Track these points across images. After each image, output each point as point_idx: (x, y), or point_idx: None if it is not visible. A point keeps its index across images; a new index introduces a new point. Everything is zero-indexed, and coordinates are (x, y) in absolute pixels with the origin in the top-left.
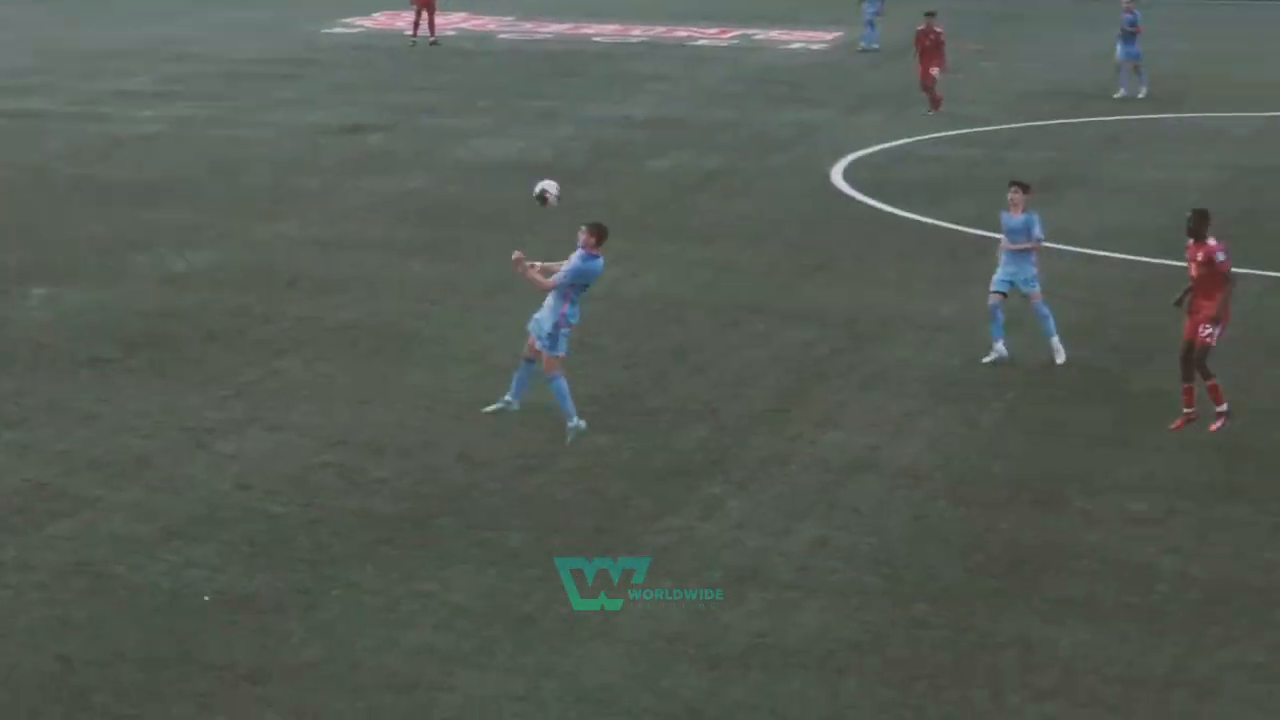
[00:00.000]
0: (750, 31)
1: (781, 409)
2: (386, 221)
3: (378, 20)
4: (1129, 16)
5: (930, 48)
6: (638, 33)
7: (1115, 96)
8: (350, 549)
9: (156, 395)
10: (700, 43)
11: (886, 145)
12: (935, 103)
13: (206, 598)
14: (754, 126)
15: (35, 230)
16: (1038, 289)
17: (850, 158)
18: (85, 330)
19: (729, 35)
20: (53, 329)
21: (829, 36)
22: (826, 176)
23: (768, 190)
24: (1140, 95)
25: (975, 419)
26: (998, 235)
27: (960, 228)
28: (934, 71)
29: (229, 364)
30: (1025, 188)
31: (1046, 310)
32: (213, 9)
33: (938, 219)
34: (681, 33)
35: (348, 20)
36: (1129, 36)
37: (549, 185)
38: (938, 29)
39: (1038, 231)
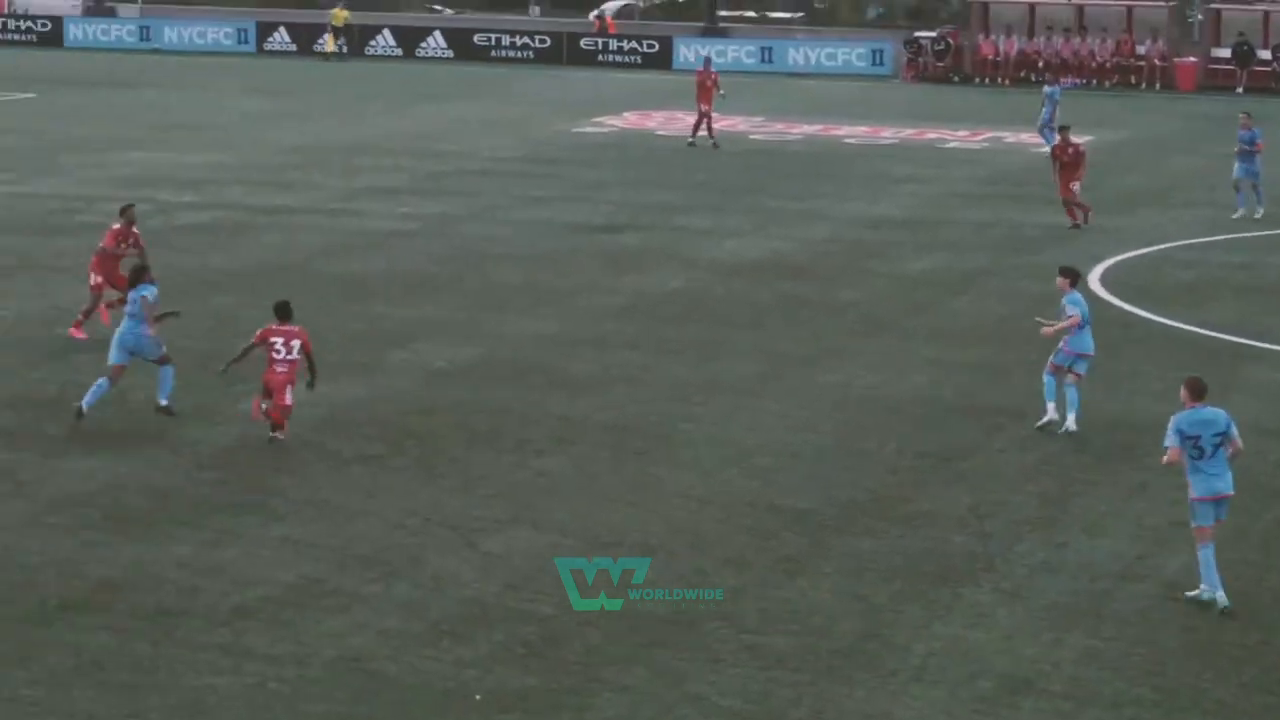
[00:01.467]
0: (1001, 134)
1: (1048, 516)
2: (646, 320)
3: (628, 120)
4: (1245, 134)
5: (1070, 162)
6: (888, 134)
7: (1234, 217)
8: (621, 651)
9: (423, 492)
10: (951, 144)
11: (1143, 250)
12: (1081, 215)
13: (478, 697)
14: (1008, 228)
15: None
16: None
17: (1108, 261)
18: (351, 427)
19: (979, 137)
20: (320, 425)
21: (1079, 140)
22: (1084, 280)
23: (1025, 293)
24: (1257, 215)
25: (1247, 529)
26: (1257, 343)
27: (1220, 334)
28: (1074, 186)
29: (493, 462)
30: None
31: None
32: (466, 105)
33: (1196, 325)
34: (931, 134)
35: (599, 119)
36: (1247, 155)
37: None
38: (1076, 142)
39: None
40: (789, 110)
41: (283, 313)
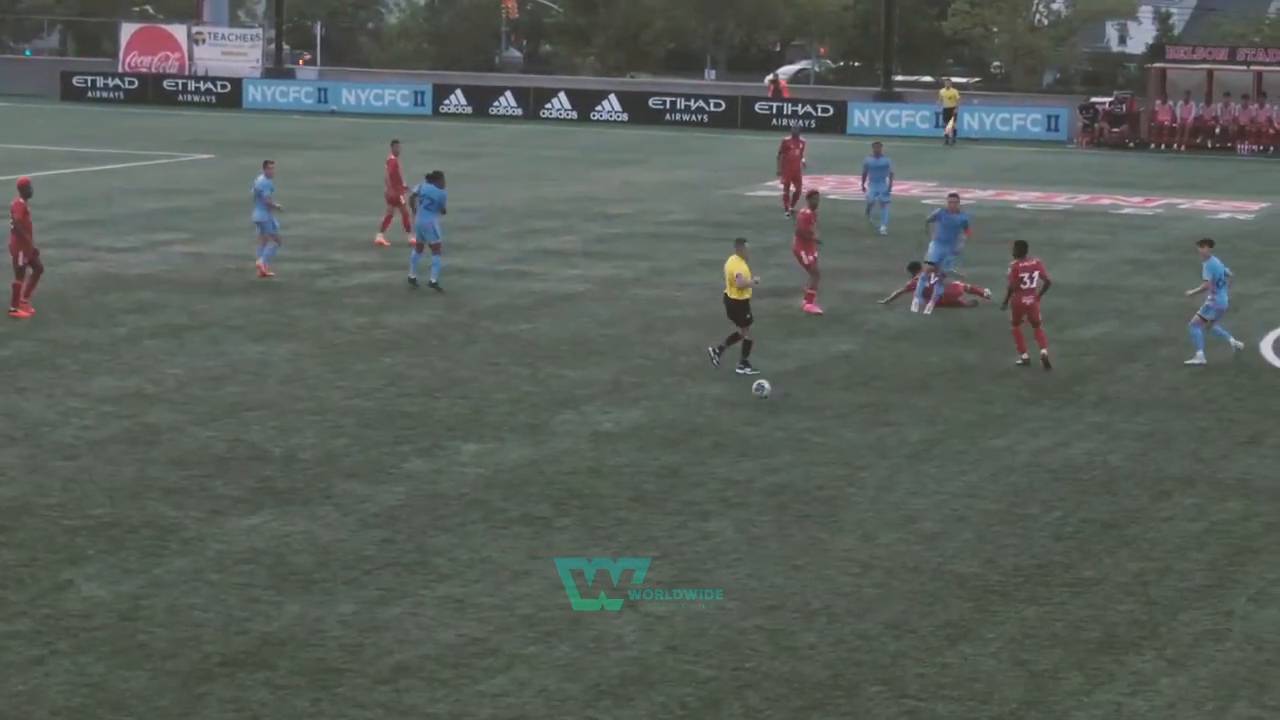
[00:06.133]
0: (1175, 200)
1: (1215, 585)
2: (814, 385)
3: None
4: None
5: None
6: (1061, 200)
7: None
8: (781, 715)
9: (587, 553)
10: (1124, 210)
11: None
12: None
13: None
14: (1181, 295)
15: (467, 385)
16: None
17: None
18: (516, 487)
19: (1153, 204)
20: (485, 485)
21: (1255, 207)
22: (1256, 348)
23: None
24: None
25: None
26: None
27: None
28: None
29: (658, 524)
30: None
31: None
32: (639, 169)
33: None
34: (1105, 200)
35: (772, 183)
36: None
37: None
38: None
39: None
40: (962, 176)
41: (1020, 249)
